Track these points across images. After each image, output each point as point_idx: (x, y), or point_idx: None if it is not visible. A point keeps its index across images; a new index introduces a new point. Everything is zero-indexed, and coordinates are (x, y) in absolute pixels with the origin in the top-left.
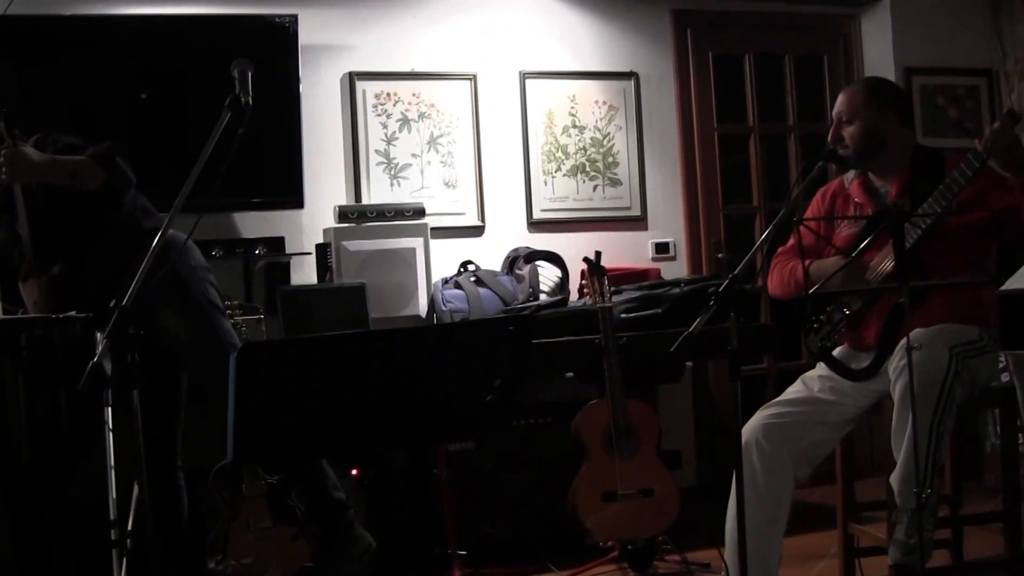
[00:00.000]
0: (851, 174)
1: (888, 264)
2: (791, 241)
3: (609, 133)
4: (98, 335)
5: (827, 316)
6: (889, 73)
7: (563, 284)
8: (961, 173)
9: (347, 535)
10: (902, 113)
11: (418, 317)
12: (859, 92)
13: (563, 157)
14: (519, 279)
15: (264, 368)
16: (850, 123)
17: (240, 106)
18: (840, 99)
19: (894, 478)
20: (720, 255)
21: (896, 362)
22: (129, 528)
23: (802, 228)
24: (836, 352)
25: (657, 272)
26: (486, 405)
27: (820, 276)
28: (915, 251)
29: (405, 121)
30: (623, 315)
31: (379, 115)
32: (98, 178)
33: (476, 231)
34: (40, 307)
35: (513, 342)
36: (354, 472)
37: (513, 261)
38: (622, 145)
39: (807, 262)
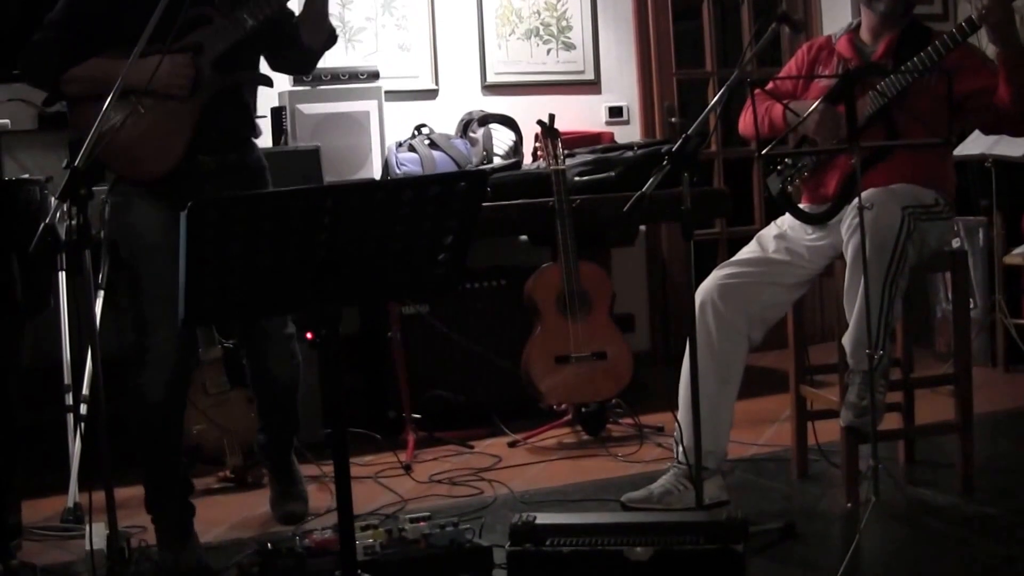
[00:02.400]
0: (839, 31)
1: (865, 108)
2: (769, 85)
3: None
4: (52, 199)
5: (792, 160)
6: None
7: (517, 147)
8: (951, 36)
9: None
10: None
11: (372, 180)
12: None
13: (517, 21)
14: (473, 142)
15: (214, 225)
16: None
17: None
18: None
19: (846, 339)
20: (673, 119)
21: (849, 221)
22: (84, 394)
23: (782, 75)
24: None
25: (611, 136)
26: (437, 263)
27: (796, 118)
28: (887, 111)
29: None
30: (576, 178)
31: None
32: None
33: (430, 94)
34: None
35: (464, 198)
36: (308, 336)
37: (467, 124)
38: (575, 9)
39: (781, 105)
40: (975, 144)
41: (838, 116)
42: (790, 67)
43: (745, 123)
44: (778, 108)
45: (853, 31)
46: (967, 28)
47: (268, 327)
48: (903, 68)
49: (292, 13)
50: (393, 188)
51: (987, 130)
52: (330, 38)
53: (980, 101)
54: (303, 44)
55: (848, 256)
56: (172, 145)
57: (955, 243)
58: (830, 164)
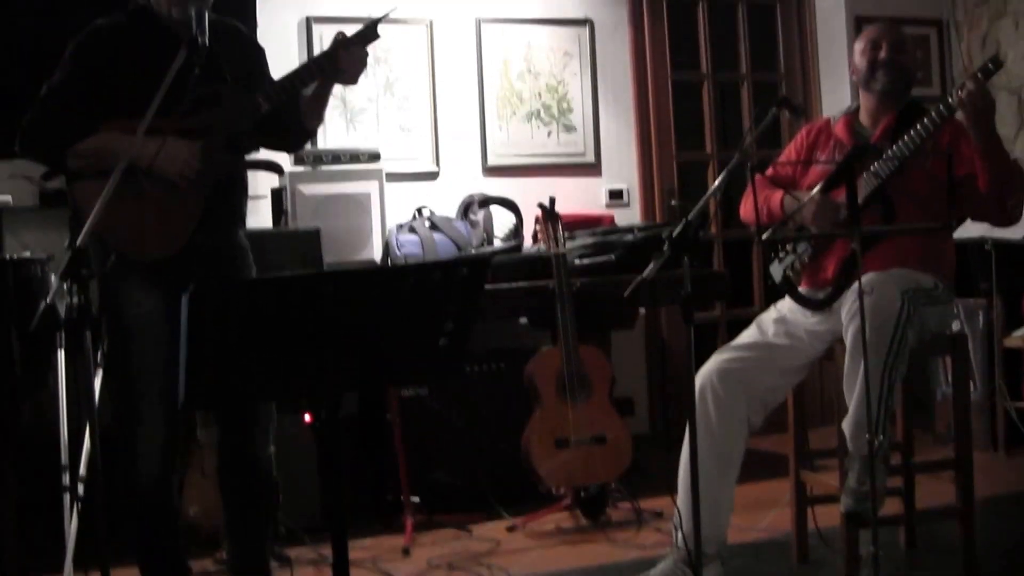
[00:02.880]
0: (838, 113)
1: (860, 190)
2: (769, 170)
3: (563, 80)
4: (53, 277)
5: (792, 245)
6: (840, 21)
7: (517, 230)
8: (931, 120)
9: None
10: None
11: (372, 262)
12: (903, 34)
13: (518, 103)
14: (473, 224)
15: (215, 310)
16: (903, 53)
17: (196, 46)
18: (884, 30)
19: (846, 424)
20: (673, 202)
21: (849, 306)
22: (82, 474)
23: (781, 160)
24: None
25: (611, 218)
26: (438, 349)
27: (793, 207)
28: (884, 193)
29: None
30: (576, 261)
31: None
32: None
33: (431, 176)
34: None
35: (466, 285)
36: (307, 419)
37: (468, 207)
38: (576, 92)
39: (780, 193)
40: (975, 226)
41: (834, 205)
42: (789, 151)
43: (746, 210)
44: (776, 197)
45: (852, 114)
46: (945, 112)
47: (259, 411)
48: (891, 151)
49: None
50: (394, 274)
51: (973, 216)
52: (322, 121)
53: (972, 186)
54: (303, 125)
55: (848, 341)
56: (178, 228)
57: (955, 326)
58: (828, 249)
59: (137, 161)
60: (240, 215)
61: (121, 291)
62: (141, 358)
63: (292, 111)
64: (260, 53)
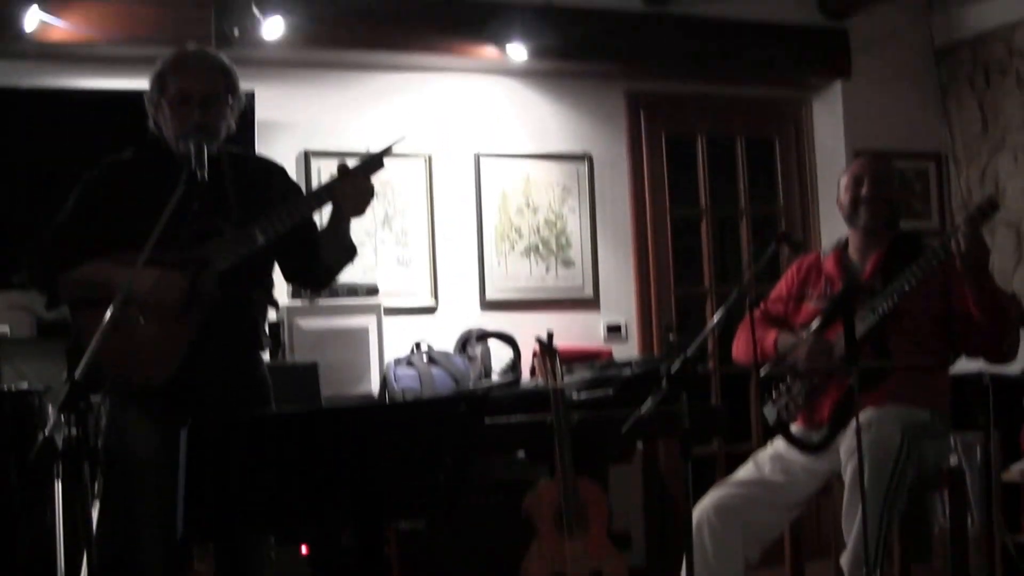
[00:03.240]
0: (828, 248)
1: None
2: (762, 306)
3: (562, 214)
4: (50, 408)
5: (786, 387)
6: (840, 156)
7: (515, 364)
8: (927, 261)
9: None
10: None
11: (370, 396)
12: (887, 168)
13: (516, 237)
14: (471, 359)
15: (215, 444)
16: (886, 187)
17: (195, 180)
18: (867, 165)
19: (845, 559)
20: (671, 336)
21: (848, 442)
22: None
23: (772, 297)
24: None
25: (609, 353)
26: (437, 484)
27: (787, 348)
28: (880, 331)
29: None
30: (574, 395)
31: None
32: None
33: (429, 311)
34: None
35: (465, 421)
36: (304, 551)
37: (466, 341)
38: (575, 226)
39: (773, 333)
40: (972, 361)
41: (827, 347)
42: (780, 287)
43: (737, 350)
44: (769, 338)
45: (842, 249)
46: (942, 252)
47: (255, 546)
48: (887, 290)
49: (313, 223)
50: (395, 411)
51: (969, 353)
52: (349, 254)
53: (968, 323)
54: (321, 260)
55: (847, 477)
56: (168, 356)
57: (952, 460)
58: (823, 391)
59: (132, 292)
60: (252, 346)
61: (118, 422)
62: (140, 491)
63: (307, 245)
64: (289, 189)
